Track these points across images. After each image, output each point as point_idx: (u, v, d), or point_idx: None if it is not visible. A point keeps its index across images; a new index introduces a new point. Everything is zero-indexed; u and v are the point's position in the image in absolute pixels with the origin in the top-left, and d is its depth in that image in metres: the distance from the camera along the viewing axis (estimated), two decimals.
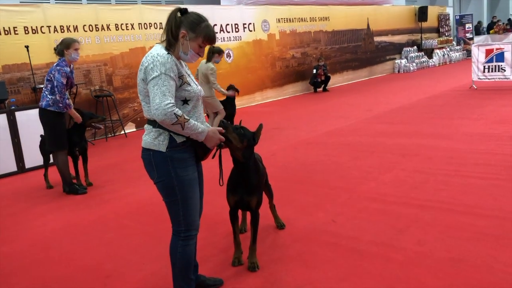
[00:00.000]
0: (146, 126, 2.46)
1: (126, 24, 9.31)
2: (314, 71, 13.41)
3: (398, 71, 17.47)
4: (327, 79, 13.57)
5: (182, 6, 2.44)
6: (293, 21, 13.36)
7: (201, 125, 2.39)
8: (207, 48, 2.58)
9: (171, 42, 2.39)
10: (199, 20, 2.41)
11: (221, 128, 2.56)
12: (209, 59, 7.03)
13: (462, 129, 6.64)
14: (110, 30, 9.08)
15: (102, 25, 8.95)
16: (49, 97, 5.00)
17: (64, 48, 4.96)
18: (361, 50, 16.15)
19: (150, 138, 2.40)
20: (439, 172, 4.81)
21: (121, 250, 3.63)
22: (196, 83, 2.53)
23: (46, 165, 5.70)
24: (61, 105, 4.98)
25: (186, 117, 2.30)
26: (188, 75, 2.47)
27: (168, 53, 2.33)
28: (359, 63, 16.06)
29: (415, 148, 5.86)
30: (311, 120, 8.95)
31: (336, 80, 14.80)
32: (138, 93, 2.44)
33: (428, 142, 6.10)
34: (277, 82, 12.99)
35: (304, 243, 3.41)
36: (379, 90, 12.72)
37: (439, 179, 4.58)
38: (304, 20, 13.74)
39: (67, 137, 5.22)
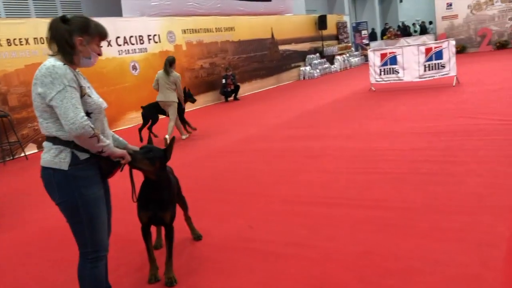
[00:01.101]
0: (45, 143, 2.31)
1: (20, 39, 8.71)
2: (224, 81, 13.53)
3: (304, 78, 18.20)
4: (237, 88, 13.76)
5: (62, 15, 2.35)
6: (199, 31, 13.38)
7: (105, 139, 2.32)
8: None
9: (69, 53, 2.27)
10: (86, 21, 2.34)
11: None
12: (169, 68, 7.78)
13: (365, 129, 7.06)
14: (1, 45, 8.43)
15: None
16: None
17: None
18: (267, 58, 16.60)
19: (50, 156, 2.26)
20: (346, 170, 5.07)
21: (25, 281, 3.35)
22: (98, 95, 2.43)
23: None
24: None
25: (97, 128, 2.23)
26: (88, 87, 2.36)
27: (64, 64, 2.21)
28: (266, 71, 16.48)
29: (323, 149, 6.12)
30: (223, 129, 9.00)
31: (246, 89, 15.05)
32: (34, 109, 2.28)
33: (334, 143, 6.41)
34: None
35: (221, 252, 3.40)
36: (287, 97, 13.15)
37: (346, 177, 4.82)
38: (210, 31, 13.83)
39: None
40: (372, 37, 23.95)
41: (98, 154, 2.29)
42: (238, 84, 13.88)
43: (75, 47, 2.28)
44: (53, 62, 2.21)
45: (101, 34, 2.38)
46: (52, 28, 2.28)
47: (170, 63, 7.81)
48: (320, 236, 3.46)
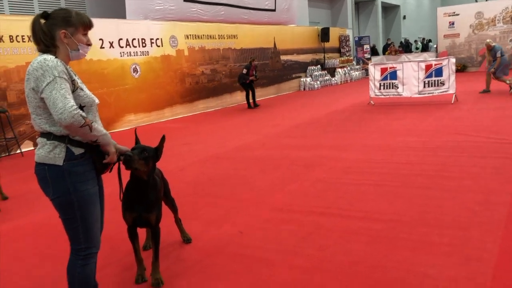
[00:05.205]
0: (39, 139, 2.30)
1: (22, 36, 8.74)
2: (245, 71, 13.03)
3: (304, 89, 18.26)
4: (253, 90, 13.34)
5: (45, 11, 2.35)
6: (201, 37, 13.45)
7: (102, 128, 2.31)
8: None
9: (53, 48, 2.27)
10: (67, 13, 2.32)
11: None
12: None
13: (360, 141, 7.08)
14: (3, 42, 8.46)
15: None
16: None
17: None
18: (269, 68, 16.66)
19: (45, 152, 2.24)
20: (339, 181, 5.07)
21: (13, 276, 3.33)
22: (89, 91, 2.43)
23: None
24: None
25: (89, 118, 2.22)
26: (80, 82, 2.36)
27: (56, 57, 2.22)
28: (267, 80, 16.53)
29: (318, 159, 6.13)
30: (221, 135, 9.01)
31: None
32: (28, 105, 2.27)
33: (329, 154, 6.42)
34: (187, 98, 12.94)
35: (210, 256, 3.39)
36: (286, 107, 13.18)
37: (339, 187, 4.82)
38: (213, 37, 13.90)
39: None
40: (373, 52, 24.08)
41: (92, 144, 2.28)
42: (257, 76, 13.31)
43: (60, 41, 2.28)
44: (44, 56, 2.21)
45: (84, 24, 2.34)
46: (33, 26, 2.28)
47: None
48: (310, 245, 3.46)
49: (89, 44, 2.39)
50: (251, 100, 13.35)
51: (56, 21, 2.28)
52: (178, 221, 3.65)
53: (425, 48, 24.51)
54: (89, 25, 2.37)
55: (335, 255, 3.24)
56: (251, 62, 13.13)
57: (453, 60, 10.70)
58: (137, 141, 2.90)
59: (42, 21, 2.29)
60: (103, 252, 3.24)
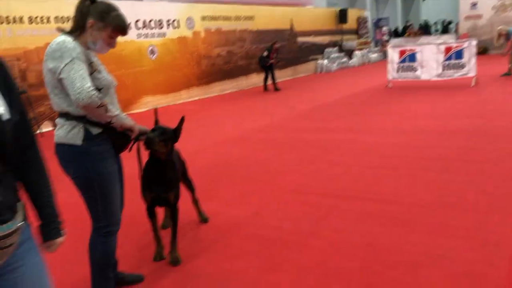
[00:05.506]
0: (58, 120, 2.33)
1: (41, 17, 8.81)
2: (266, 53, 12.77)
3: (321, 71, 18.10)
4: (273, 73, 13.00)
5: None
6: (218, 19, 13.37)
7: (115, 110, 2.33)
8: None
9: (78, 31, 2.31)
10: (109, 9, 2.33)
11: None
12: None
13: (378, 125, 7.02)
14: (23, 22, 8.54)
15: (14, 17, 8.40)
16: None
17: None
18: (285, 50, 16.51)
19: (64, 132, 2.29)
20: (356, 164, 5.05)
21: None
22: (108, 72, 2.45)
23: None
24: None
25: (106, 100, 2.24)
26: (99, 64, 2.38)
27: (74, 40, 2.24)
28: (283, 62, 16.39)
29: (335, 142, 6.10)
30: (237, 117, 9.02)
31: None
32: (45, 85, 2.30)
33: (347, 136, 6.38)
34: (203, 80, 12.94)
35: (227, 236, 3.43)
36: (303, 89, 13.10)
37: (356, 170, 4.81)
38: (229, 19, 13.81)
39: None
40: (394, 34, 23.66)
41: (107, 124, 2.31)
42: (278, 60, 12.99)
43: (85, 28, 2.31)
44: (63, 38, 2.23)
45: (116, 27, 2.35)
46: (77, 4, 2.33)
47: None
48: (326, 226, 3.47)
49: (111, 46, 2.40)
50: (269, 82, 13.16)
51: (94, 10, 2.31)
52: (195, 201, 3.69)
53: (445, 30, 23.98)
54: (121, 31, 2.38)
55: (351, 237, 3.25)
56: (273, 44, 12.90)
57: (474, 42, 10.46)
58: (157, 121, 2.93)
59: (87, 3, 2.32)
60: (123, 231, 3.31)
